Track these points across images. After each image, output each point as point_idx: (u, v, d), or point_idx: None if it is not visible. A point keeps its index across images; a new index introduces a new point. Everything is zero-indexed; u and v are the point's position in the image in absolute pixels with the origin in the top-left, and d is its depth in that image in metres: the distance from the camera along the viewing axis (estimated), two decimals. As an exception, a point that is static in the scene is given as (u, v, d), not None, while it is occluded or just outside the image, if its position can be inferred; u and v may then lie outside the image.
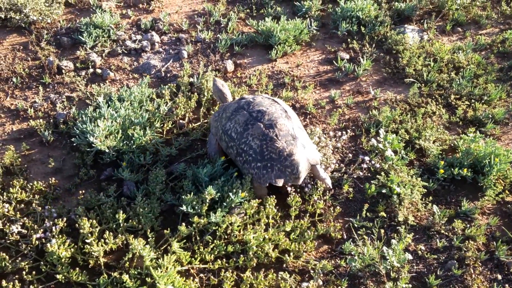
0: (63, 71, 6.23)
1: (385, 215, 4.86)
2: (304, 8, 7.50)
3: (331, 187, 5.02)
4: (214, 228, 4.43)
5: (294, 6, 7.74)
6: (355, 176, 5.24)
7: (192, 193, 4.53)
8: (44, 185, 4.87)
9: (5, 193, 4.69)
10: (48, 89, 6.04)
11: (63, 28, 6.90)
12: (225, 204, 4.50)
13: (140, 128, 5.22)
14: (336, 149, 5.53)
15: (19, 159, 5.12)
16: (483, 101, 6.27)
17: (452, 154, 5.57)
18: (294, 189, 4.91)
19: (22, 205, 4.64)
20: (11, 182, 4.84)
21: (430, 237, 4.77)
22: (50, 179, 4.94)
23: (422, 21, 7.69)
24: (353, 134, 5.72)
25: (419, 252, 4.61)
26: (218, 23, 7.35)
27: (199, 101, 5.85)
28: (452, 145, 5.66)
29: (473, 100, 6.28)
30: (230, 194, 4.51)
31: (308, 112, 5.98)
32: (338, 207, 4.80)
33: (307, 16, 7.53)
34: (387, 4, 7.85)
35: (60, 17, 7.13)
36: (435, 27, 7.52)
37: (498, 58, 7.12)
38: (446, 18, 7.84)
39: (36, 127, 5.46)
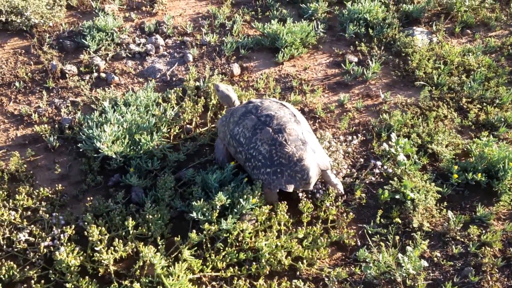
0: (67, 75, 6.08)
1: (399, 221, 4.75)
2: (310, 10, 7.38)
3: (343, 192, 4.90)
4: (225, 235, 4.32)
5: (300, 8, 7.61)
6: (367, 182, 5.12)
7: (202, 199, 4.42)
8: (50, 192, 4.73)
9: (11, 200, 4.55)
10: (52, 94, 5.90)
11: (65, 32, 6.75)
12: (235, 210, 4.40)
13: (147, 133, 5.09)
14: (347, 154, 5.40)
15: (25, 166, 4.97)
16: (495, 105, 6.15)
17: (465, 158, 5.45)
18: (305, 195, 4.79)
19: (29, 212, 4.49)
20: (17, 189, 4.70)
21: (445, 243, 4.65)
22: (56, 185, 4.80)
23: (430, 23, 7.58)
24: (364, 138, 5.61)
25: (435, 259, 4.49)
26: (223, 26, 7.21)
27: (206, 105, 5.72)
28: (465, 149, 5.54)
29: (484, 104, 6.16)
30: (241, 200, 4.41)
31: (317, 116, 5.86)
32: (351, 213, 4.68)
33: (313, 18, 7.40)
34: (395, 6, 7.73)
35: (62, 20, 6.97)
36: (444, 29, 7.40)
37: (508, 60, 7.00)
38: (454, 20, 7.73)
39: (41, 133, 5.32)
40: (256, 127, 4.66)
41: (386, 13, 7.45)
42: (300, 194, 4.77)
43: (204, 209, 4.33)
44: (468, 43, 7.33)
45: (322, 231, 4.56)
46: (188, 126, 5.54)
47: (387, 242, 4.53)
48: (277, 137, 4.56)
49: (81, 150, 5.07)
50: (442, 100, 6.18)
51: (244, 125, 4.73)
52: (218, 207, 4.33)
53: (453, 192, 5.11)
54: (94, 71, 6.20)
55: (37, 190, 4.67)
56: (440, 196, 4.97)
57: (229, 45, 6.64)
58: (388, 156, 5.36)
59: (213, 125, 5.55)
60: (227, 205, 4.48)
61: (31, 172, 5.02)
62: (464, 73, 6.60)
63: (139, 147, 4.97)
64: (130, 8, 7.47)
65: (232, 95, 5.32)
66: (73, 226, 4.22)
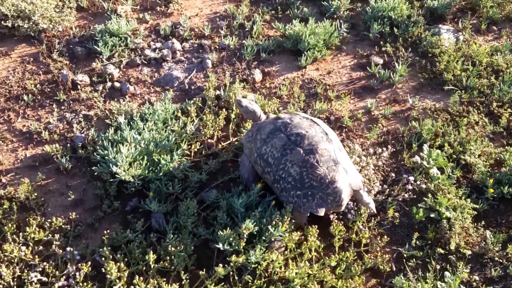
0: (79, 86, 5.72)
1: (435, 242, 4.55)
2: (333, 8, 7.04)
3: (375, 211, 4.67)
4: (253, 265, 4.08)
5: (322, 6, 7.25)
6: (400, 199, 4.87)
7: (227, 227, 4.18)
8: (64, 221, 4.42)
9: (21, 234, 4.25)
10: (63, 107, 5.56)
11: (76, 37, 6.38)
12: (264, 238, 4.18)
13: (166, 152, 4.81)
14: (376, 168, 5.14)
15: (35, 193, 4.66)
16: None
17: (499, 168, 5.21)
18: (336, 216, 4.54)
19: (41, 247, 4.22)
20: (27, 219, 4.38)
21: (483, 265, 4.45)
22: (70, 213, 4.51)
23: (456, 19, 7.27)
24: (394, 149, 5.33)
25: (474, 283, 4.29)
26: (242, 27, 6.85)
27: (227, 117, 5.40)
28: (498, 158, 5.32)
29: None
30: (270, 227, 4.17)
31: (344, 125, 5.59)
32: (385, 237, 4.43)
33: (335, 16, 7.07)
34: (419, 1, 7.39)
35: (72, 24, 6.59)
36: (470, 26, 7.09)
37: None
38: (480, 15, 7.41)
39: (52, 153, 5.00)
40: (285, 147, 4.41)
41: (411, 10, 7.12)
42: (331, 216, 4.53)
43: (231, 239, 4.10)
44: (494, 41, 7.04)
45: (355, 256, 4.32)
46: (209, 140, 5.26)
47: (423, 266, 4.35)
48: (309, 158, 4.31)
49: (95, 173, 4.78)
50: (472, 104, 5.92)
51: (273, 144, 4.47)
52: (245, 235, 4.09)
53: (488, 206, 4.90)
54: (108, 80, 5.84)
55: (49, 220, 4.35)
56: (476, 212, 4.75)
57: (249, 48, 6.30)
58: (420, 169, 5.12)
59: (235, 139, 5.29)
60: (255, 233, 4.24)
61: (42, 199, 4.71)
62: (493, 74, 6.33)
63: (158, 168, 4.70)
64: (144, 8, 7.07)
65: (257, 109, 5.00)
66: (89, 262, 3.94)
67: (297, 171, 4.31)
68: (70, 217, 4.49)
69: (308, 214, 4.32)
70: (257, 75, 6.04)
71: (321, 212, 4.27)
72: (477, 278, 4.34)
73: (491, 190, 4.88)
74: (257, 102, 5.47)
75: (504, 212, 4.89)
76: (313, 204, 4.27)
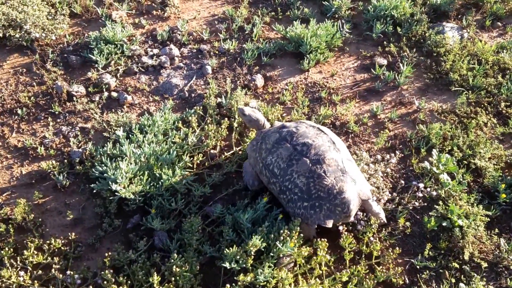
0: (74, 97, 5.50)
1: (448, 252, 4.43)
2: (334, 7, 6.87)
3: (385, 221, 4.52)
4: (262, 284, 3.91)
5: (322, 6, 7.09)
6: (410, 207, 4.71)
7: (234, 244, 4.05)
8: (63, 242, 4.24)
9: (19, 257, 4.07)
10: (58, 120, 5.35)
11: (70, 45, 6.16)
12: (272, 254, 4.02)
13: (168, 166, 4.61)
14: (385, 174, 4.99)
15: (32, 214, 4.46)
16: None
17: (509, 170, 5.11)
18: (345, 228, 4.41)
19: (40, 271, 4.03)
20: (25, 241, 4.20)
21: (498, 274, 4.33)
22: (69, 233, 4.32)
23: (459, 16, 7.14)
24: (402, 155, 5.19)
25: None
26: (242, 30, 6.65)
27: (230, 126, 5.23)
28: (509, 161, 5.19)
29: None
30: (278, 243, 4.00)
31: (350, 131, 5.43)
32: (397, 248, 4.27)
33: (336, 16, 6.91)
34: (422, -1, 7.24)
35: (66, 32, 6.37)
36: (474, 23, 6.97)
37: None
38: (484, 11, 7.28)
39: (49, 170, 4.81)
40: (292, 157, 4.27)
41: (413, 8, 6.97)
42: (341, 228, 4.38)
43: (238, 256, 3.94)
44: (499, 37, 6.92)
45: (367, 269, 4.16)
46: (212, 151, 5.08)
47: (437, 278, 4.24)
48: (315, 168, 4.17)
49: (94, 191, 4.59)
50: (480, 105, 5.78)
51: (278, 155, 4.33)
52: (252, 252, 3.94)
53: (500, 211, 4.76)
54: (104, 90, 5.63)
55: (48, 242, 4.18)
56: (488, 219, 4.61)
57: (250, 52, 6.12)
58: (430, 175, 4.98)
59: (239, 148, 5.11)
60: (263, 249, 4.09)
61: (40, 219, 4.51)
62: (499, 73, 6.21)
63: (160, 183, 4.52)
64: (140, 12, 6.86)
65: (260, 117, 4.83)
66: (91, 287, 3.82)
67: (304, 182, 4.17)
68: (70, 237, 4.31)
69: (316, 226, 4.20)
70: (259, 80, 5.86)
71: (329, 223, 4.13)
72: (492, 288, 4.21)
73: (503, 195, 4.76)
74: (260, 110, 5.31)
75: (516, 217, 4.72)
76: (321, 215, 4.13)
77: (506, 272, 4.33)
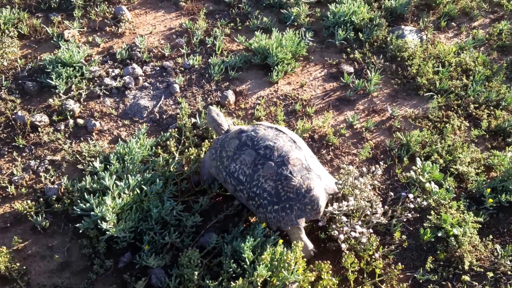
0: (38, 128, 5.06)
1: (447, 263, 4.39)
2: (293, 15, 6.73)
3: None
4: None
5: (280, 14, 6.95)
6: (404, 220, 4.61)
7: (237, 276, 3.87)
8: (51, 291, 3.83)
9: (4, 316, 3.65)
10: (24, 154, 4.88)
11: (24, 70, 5.65)
12: (278, 283, 3.83)
13: (154, 197, 4.28)
14: (372, 187, 4.88)
15: (15, 264, 4.01)
16: (501, 107, 5.89)
17: (488, 173, 5.15)
18: (347, 246, 4.26)
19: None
20: (10, 294, 3.77)
21: (497, 280, 4.31)
22: (58, 280, 3.93)
23: (415, 18, 7.21)
24: (385, 165, 5.06)
25: None
26: (203, 43, 6.38)
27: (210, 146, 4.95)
28: (487, 164, 5.21)
29: (491, 107, 5.88)
30: (284, 271, 3.79)
31: (330, 143, 5.29)
32: (399, 264, 4.18)
33: (296, 24, 6.77)
34: (377, 2, 7.26)
35: (16, 55, 5.86)
36: (431, 24, 7.04)
37: (499, 53, 6.79)
38: (437, 12, 7.40)
39: (24, 211, 4.36)
40: (256, 162, 4.20)
41: (372, 13, 6.94)
42: (343, 246, 4.21)
43: (243, 290, 3.71)
44: (455, 37, 7.03)
45: (372, 289, 4.03)
46: (195, 176, 4.79)
47: None
48: (282, 170, 4.13)
49: (81, 231, 4.20)
50: (450, 108, 5.80)
51: (242, 161, 4.26)
52: (259, 283, 3.73)
53: (487, 216, 4.76)
54: (69, 117, 5.21)
55: (36, 292, 3.75)
56: (480, 226, 4.62)
57: (216, 67, 5.86)
58: (416, 184, 4.94)
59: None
60: (268, 278, 3.88)
61: (24, 267, 4.06)
62: (463, 74, 6.28)
63: (149, 216, 4.22)
64: (92, 29, 6.44)
65: (221, 121, 4.81)
66: None
67: (272, 185, 4.13)
68: (58, 284, 3.92)
69: (290, 228, 4.14)
70: (230, 96, 5.62)
71: (302, 222, 4.12)
72: (492, 294, 4.18)
73: (491, 200, 4.75)
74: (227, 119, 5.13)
75: (504, 221, 4.77)
76: (292, 216, 4.10)
77: (504, 278, 4.30)
